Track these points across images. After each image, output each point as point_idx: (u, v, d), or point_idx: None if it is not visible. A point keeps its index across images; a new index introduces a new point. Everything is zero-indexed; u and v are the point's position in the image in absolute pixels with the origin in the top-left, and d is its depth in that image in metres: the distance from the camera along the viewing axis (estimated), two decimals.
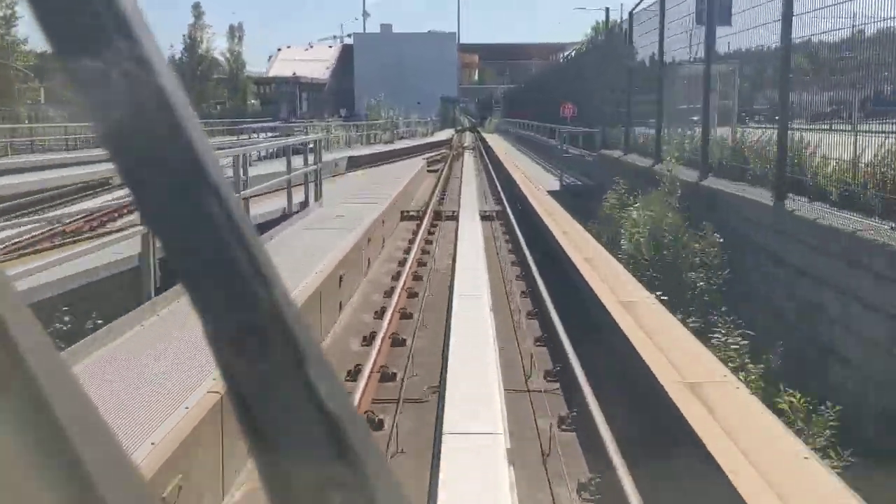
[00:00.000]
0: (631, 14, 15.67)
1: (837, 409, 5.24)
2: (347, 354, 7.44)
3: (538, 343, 7.56)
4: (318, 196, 13.29)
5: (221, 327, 0.36)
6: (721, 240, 8.14)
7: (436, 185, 22.09)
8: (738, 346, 6.31)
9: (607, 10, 20.90)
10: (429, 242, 13.37)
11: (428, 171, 26.86)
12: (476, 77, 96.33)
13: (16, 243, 12.24)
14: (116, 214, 14.94)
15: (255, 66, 79.99)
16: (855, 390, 5.89)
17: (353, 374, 6.53)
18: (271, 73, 70.70)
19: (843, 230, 6.45)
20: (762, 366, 6.23)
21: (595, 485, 4.70)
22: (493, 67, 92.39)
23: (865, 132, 7.18)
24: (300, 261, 8.71)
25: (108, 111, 0.36)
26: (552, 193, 15.85)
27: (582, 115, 22.38)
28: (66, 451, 0.33)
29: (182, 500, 3.78)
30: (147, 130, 0.36)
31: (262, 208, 12.35)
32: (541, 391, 6.30)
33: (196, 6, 61.51)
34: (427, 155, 34.43)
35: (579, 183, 17.32)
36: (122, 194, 16.58)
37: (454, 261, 10.83)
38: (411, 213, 16.46)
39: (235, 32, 66.55)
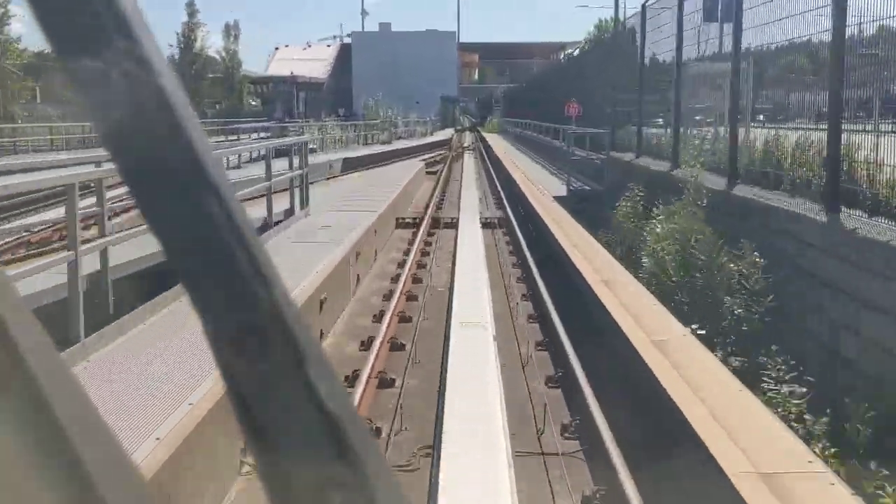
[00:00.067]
0: (644, 7, 14.49)
1: None
2: None
3: (551, 384, 6.39)
4: (304, 203, 12.10)
5: (221, 327, 0.36)
6: (764, 261, 6.97)
7: (434, 189, 20.92)
8: (798, 401, 5.13)
9: (616, 2, 19.74)
10: (425, 254, 12.19)
11: (427, 172, 25.69)
12: (476, 76, 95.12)
13: None
14: (83, 224, 13.67)
15: (256, 66, 79.03)
16: None
17: None
18: (269, 73, 69.57)
19: None
20: (825, 423, 5.05)
21: None
22: (493, 67, 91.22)
23: None
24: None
25: (108, 111, 0.35)
26: (559, 199, 14.66)
27: (587, 114, 21.20)
28: (66, 451, 0.33)
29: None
30: (147, 130, 0.36)
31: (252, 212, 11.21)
32: (557, 454, 5.11)
33: (190, 3, 60.24)
34: (426, 156, 33.32)
35: (587, 188, 16.13)
36: (91, 203, 15.48)
37: (453, 278, 9.64)
38: (407, 221, 15.31)
39: (231, 31, 65.35)
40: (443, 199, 19.27)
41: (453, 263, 10.50)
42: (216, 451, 4.45)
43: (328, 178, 22.21)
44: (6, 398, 0.33)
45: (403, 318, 8.42)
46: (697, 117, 13.33)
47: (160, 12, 62.27)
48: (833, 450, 4.59)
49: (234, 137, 26.38)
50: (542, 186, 17.10)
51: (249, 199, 10.59)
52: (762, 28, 9.89)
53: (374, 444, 0.38)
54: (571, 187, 15.89)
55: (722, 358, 5.82)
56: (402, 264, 11.15)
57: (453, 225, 14.13)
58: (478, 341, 6.81)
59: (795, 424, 4.89)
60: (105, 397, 4.38)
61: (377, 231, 12.18)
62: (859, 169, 7.04)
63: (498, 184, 21.71)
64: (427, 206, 16.94)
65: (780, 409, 5.01)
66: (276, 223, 10.77)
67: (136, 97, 0.35)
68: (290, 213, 11.61)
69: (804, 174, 8.01)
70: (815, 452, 3.98)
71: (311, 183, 20.19)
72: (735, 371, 5.46)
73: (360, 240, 10.48)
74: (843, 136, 7.25)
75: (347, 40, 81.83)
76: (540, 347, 7.37)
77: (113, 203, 16.05)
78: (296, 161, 12.01)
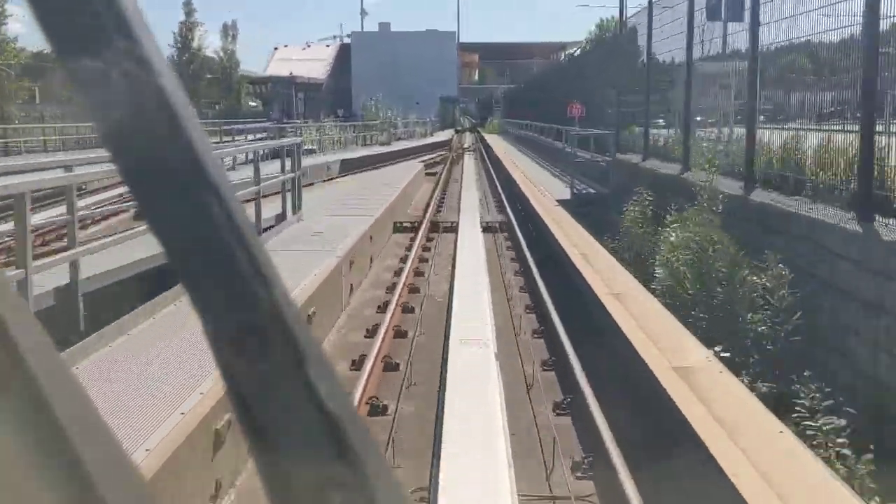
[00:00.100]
0: (650, 2, 13.91)
1: None
2: None
3: (560, 411, 5.80)
4: (296, 208, 11.52)
5: (221, 327, 0.36)
6: (791, 274, 6.38)
7: (434, 191, 20.38)
8: (840, 438, 4.53)
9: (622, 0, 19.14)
10: (424, 261, 11.61)
11: (426, 174, 25.11)
12: (476, 77, 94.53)
13: None
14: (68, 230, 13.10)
15: (255, 66, 78.56)
16: None
17: None
18: (267, 73, 69.08)
19: None
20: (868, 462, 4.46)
21: None
22: (494, 67, 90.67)
23: None
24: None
25: (108, 111, 0.36)
26: (562, 203, 14.07)
27: (589, 115, 20.62)
28: (66, 451, 0.33)
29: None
30: (147, 130, 0.36)
31: None
32: (569, 498, 4.52)
33: (187, 3, 59.61)
34: (426, 157, 32.80)
35: (592, 191, 15.53)
36: (62, 211, 14.88)
37: (452, 288, 9.07)
38: (405, 225, 14.71)
39: (229, 31, 64.79)
40: (442, 202, 18.73)
41: (452, 272, 9.93)
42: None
43: (325, 180, 21.66)
44: (6, 398, 0.33)
45: (399, 333, 7.85)
46: (698, 118, 12.96)
47: (159, 12, 61.64)
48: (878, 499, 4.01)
49: (228, 139, 25.73)
50: (544, 189, 16.53)
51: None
52: (776, 24, 9.41)
53: (374, 444, 0.38)
54: (575, 190, 15.29)
55: (749, 384, 5.22)
56: (398, 272, 10.58)
57: (453, 229, 13.58)
58: (479, 361, 6.25)
59: (835, 462, 4.30)
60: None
61: (373, 237, 11.60)
62: (892, 174, 6.45)
63: (499, 186, 21.16)
64: (426, 209, 16.39)
65: (815, 443, 4.41)
66: (267, 229, 10.20)
67: (136, 97, 0.35)
68: (281, 217, 11.04)
69: (829, 179, 7.41)
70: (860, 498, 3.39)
71: (309, 185, 19.71)
72: (763, 398, 4.87)
73: (354, 246, 9.91)
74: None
75: (347, 40, 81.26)
76: (546, 367, 6.79)
77: (95, 209, 15.39)
78: (288, 164, 11.40)
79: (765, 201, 7.99)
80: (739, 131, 12.23)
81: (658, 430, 4.76)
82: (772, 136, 9.33)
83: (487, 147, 38.75)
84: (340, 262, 8.94)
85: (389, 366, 6.89)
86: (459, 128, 68.35)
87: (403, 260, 11.52)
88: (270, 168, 12.75)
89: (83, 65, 0.35)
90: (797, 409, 5.11)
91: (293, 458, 0.36)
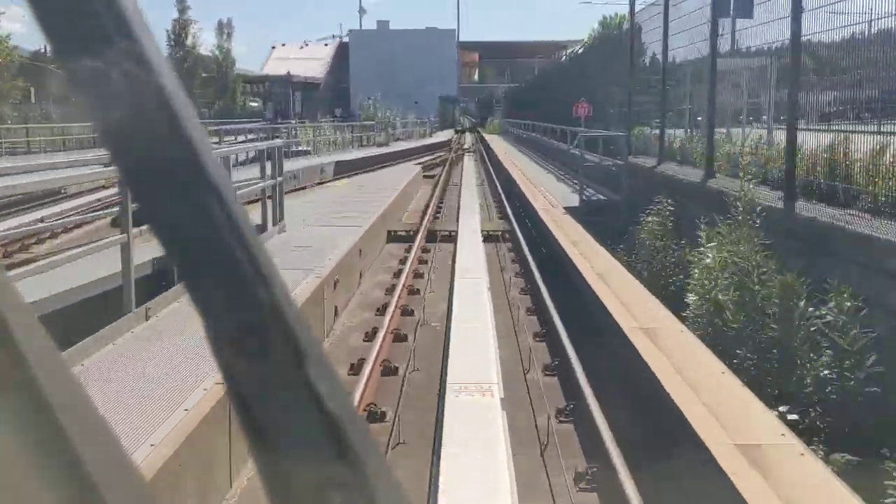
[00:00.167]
0: None
1: None
2: None
3: (582, 486, 4.66)
4: (277, 218, 10.38)
5: (221, 327, 0.36)
6: (863, 308, 5.25)
7: (432, 195, 19.32)
8: None
9: None
10: (419, 276, 10.51)
11: (424, 176, 23.97)
12: (476, 76, 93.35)
13: None
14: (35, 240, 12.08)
15: (255, 66, 77.50)
16: None
17: None
18: (264, 72, 68.02)
19: None
20: None
21: None
22: (494, 66, 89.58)
23: None
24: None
25: (108, 111, 0.36)
26: (570, 211, 12.91)
27: (594, 115, 19.46)
28: (66, 451, 0.33)
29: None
30: (147, 130, 0.36)
31: None
32: None
33: (181, 0, 58.29)
34: (424, 158, 31.75)
35: (602, 198, 14.36)
36: (36, 218, 13.80)
37: (450, 312, 7.94)
38: (400, 233, 13.58)
39: (224, 29, 63.59)
40: (441, 208, 17.67)
41: (451, 289, 8.78)
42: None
43: (319, 184, 20.53)
44: (6, 398, 0.33)
45: (388, 370, 6.74)
46: (699, 118, 12.30)
47: (155, 12, 60.50)
48: None
49: (216, 140, 24.64)
50: (549, 194, 15.39)
51: None
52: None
53: (374, 444, 0.38)
54: (584, 196, 14.13)
55: (824, 456, 4.08)
56: (391, 290, 9.48)
57: (452, 238, 12.42)
58: (481, 413, 5.10)
59: None
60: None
61: (363, 250, 10.47)
62: None
63: (500, 189, 20.01)
64: (423, 216, 15.31)
65: None
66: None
67: (136, 97, 0.35)
68: (261, 229, 9.87)
69: (893, 190, 6.29)
70: None
71: (301, 189, 18.58)
72: (842, 475, 3.73)
73: (341, 262, 8.82)
74: None
75: (346, 40, 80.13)
76: (563, 419, 5.63)
77: (68, 216, 14.19)
78: (269, 169, 10.25)
79: (817, 217, 6.84)
80: (756, 132, 11.20)
81: None
82: (813, 139, 8.18)
83: (488, 148, 37.71)
84: (323, 283, 7.82)
85: (374, 415, 5.78)
86: (459, 128, 67.37)
87: (397, 275, 10.42)
88: (254, 173, 11.62)
89: (83, 65, 0.35)
90: (890, 492, 3.96)
91: (293, 458, 0.36)
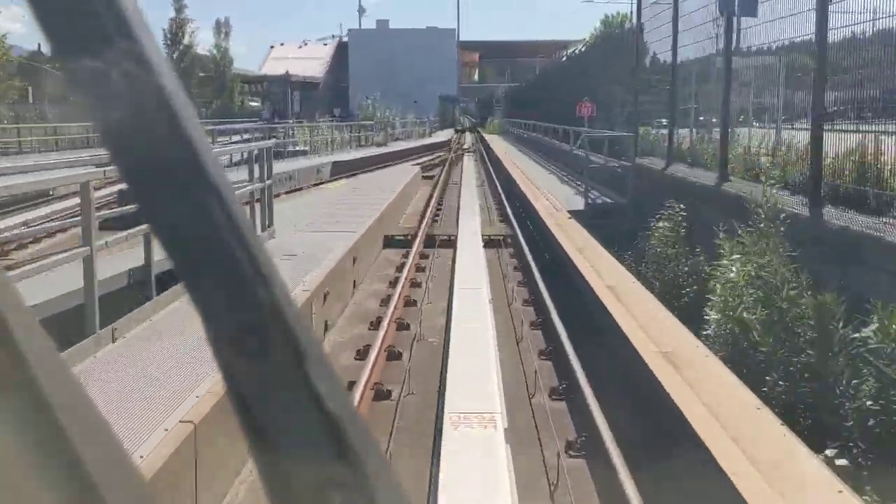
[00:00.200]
0: None
1: None
2: None
3: None
4: (266, 224, 9.78)
5: (221, 327, 0.36)
6: None
7: (430, 197, 18.77)
8: None
9: None
10: (416, 285, 9.94)
11: (423, 177, 23.40)
12: (476, 76, 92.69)
13: None
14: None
15: (256, 66, 76.84)
16: None
17: None
18: (263, 72, 67.43)
19: None
20: None
21: None
22: (494, 66, 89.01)
23: None
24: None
25: (108, 111, 0.36)
26: (575, 214, 12.32)
27: (599, 115, 18.87)
28: (66, 451, 0.33)
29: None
30: (147, 130, 0.36)
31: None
32: None
33: None
34: (423, 159, 31.20)
35: (608, 200, 13.76)
36: (20, 221, 13.22)
37: (448, 328, 7.39)
38: (398, 238, 13.00)
39: (222, 28, 62.93)
40: (440, 210, 17.09)
41: (450, 300, 8.24)
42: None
43: (315, 185, 19.97)
44: (6, 398, 0.33)
45: (380, 394, 6.15)
46: (701, 117, 12.28)
47: (157, 12, 59.95)
48: None
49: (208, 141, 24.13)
50: (552, 196, 14.81)
51: None
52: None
53: (374, 444, 0.38)
54: (589, 200, 13.53)
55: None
56: (386, 300, 8.91)
57: (451, 244, 11.86)
58: (482, 450, 4.55)
59: None
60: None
61: (358, 257, 9.87)
62: None
63: (501, 191, 19.42)
64: (422, 219, 14.75)
65: None
66: None
67: (136, 97, 0.35)
68: None
69: None
70: None
71: (297, 190, 17.99)
72: None
73: (333, 272, 8.24)
74: None
75: (346, 39, 79.47)
76: (574, 453, 5.05)
77: (46, 221, 13.59)
78: (259, 171, 9.65)
79: (849, 225, 6.25)
80: (760, 133, 10.67)
81: None
82: (835, 141, 7.61)
83: (488, 148, 37.17)
84: (312, 297, 7.26)
85: None
86: (459, 128, 66.86)
87: (393, 283, 9.85)
88: (243, 175, 11.03)
89: (83, 65, 0.35)
90: None
91: (293, 458, 0.36)
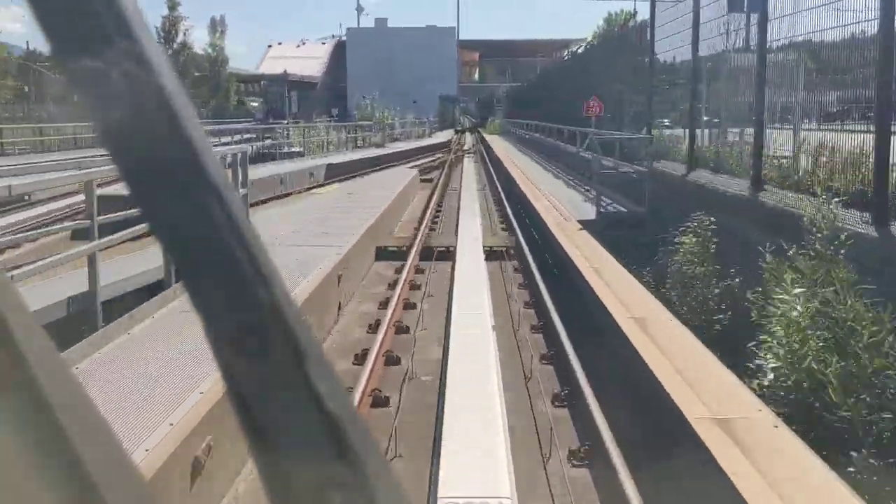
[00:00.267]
0: None
1: None
2: None
3: None
4: None
5: (221, 327, 0.36)
6: None
7: (429, 202, 17.74)
8: None
9: None
10: (410, 306, 8.82)
11: (422, 180, 22.26)
12: (476, 76, 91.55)
13: None
14: None
15: (255, 66, 75.74)
16: None
17: None
18: (260, 71, 66.39)
19: None
20: None
21: None
22: (494, 65, 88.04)
23: None
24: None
25: (108, 111, 0.36)
26: (586, 225, 11.17)
27: (606, 114, 17.77)
28: (66, 451, 0.33)
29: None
30: (147, 130, 0.36)
31: (128, 267, 7.77)
32: None
33: None
34: (422, 160, 30.12)
35: (623, 209, 12.59)
36: None
37: (444, 363, 6.35)
38: (391, 249, 11.85)
39: (217, 26, 61.73)
40: (438, 217, 15.94)
41: (447, 330, 7.13)
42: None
43: (308, 189, 18.87)
44: (6, 398, 0.33)
45: None
46: (705, 118, 11.82)
47: (152, 12, 58.85)
48: None
49: None
50: (559, 204, 13.68)
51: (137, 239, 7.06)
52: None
53: (374, 444, 0.38)
54: (602, 208, 12.37)
55: None
56: (375, 326, 7.87)
57: (450, 255, 10.74)
58: None
59: None
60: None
61: (344, 275, 8.74)
62: None
63: (503, 195, 18.30)
64: (418, 228, 13.70)
65: None
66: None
67: (136, 97, 0.35)
68: None
69: None
70: None
71: (286, 195, 16.88)
72: None
73: (312, 297, 7.15)
74: None
75: (345, 39, 78.40)
76: None
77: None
78: (232, 178, 8.51)
79: None
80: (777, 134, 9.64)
81: None
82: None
83: (489, 149, 36.16)
84: None
85: None
86: (459, 128, 65.87)
87: (384, 305, 8.77)
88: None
89: (83, 65, 0.35)
90: None
91: (293, 458, 0.36)
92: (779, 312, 4.99)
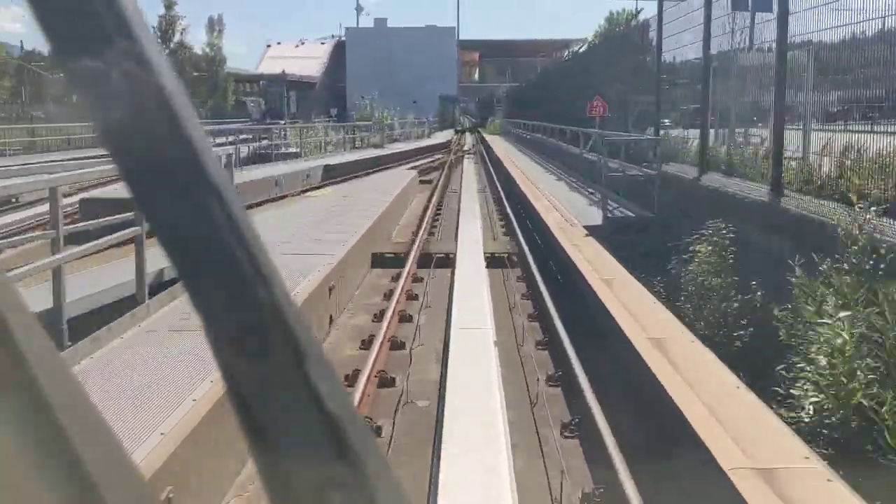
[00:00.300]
0: None
1: None
2: None
3: None
4: None
5: (221, 327, 0.36)
6: None
7: (428, 205, 17.17)
8: None
9: None
10: (406, 319, 8.28)
11: (421, 181, 21.70)
12: (476, 76, 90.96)
13: None
14: None
15: (255, 66, 75.19)
16: None
17: None
18: (259, 71, 65.80)
19: None
20: None
21: None
22: (494, 65, 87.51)
23: None
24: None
25: (108, 111, 0.36)
26: (593, 231, 10.61)
27: (609, 114, 17.25)
28: (66, 451, 0.33)
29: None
30: (147, 130, 0.36)
31: (99, 281, 7.22)
32: None
33: None
34: (421, 161, 29.57)
35: (630, 214, 12.04)
36: None
37: (443, 384, 5.85)
38: (388, 256, 11.29)
39: (215, 25, 61.16)
40: (437, 221, 15.37)
41: (445, 346, 6.62)
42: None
43: (304, 191, 18.32)
44: (6, 398, 0.33)
45: None
46: (711, 117, 11.29)
47: (148, 11, 58.19)
48: None
49: None
50: (562, 208, 13.13)
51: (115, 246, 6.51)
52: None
53: (374, 444, 0.37)
54: (609, 213, 11.82)
55: None
56: (368, 342, 7.34)
57: (449, 262, 10.20)
58: None
59: None
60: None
61: (337, 285, 8.19)
62: None
63: (504, 198, 17.76)
64: (416, 233, 13.17)
65: None
66: (169, 285, 6.69)
67: (136, 97, 0.35)
68: None
69: None
70: None
71: (281, 198, 16.33)
72: None
73: (303, 307, 6.48)
74: None
75: (344, 38, 77.84)
76: None
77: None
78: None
79: None
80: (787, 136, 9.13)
81: None
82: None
83: (489, 149, 35.68)
84: None
85: None
86: (459, 128, 65.32)
87: (378, 317, 8.25)
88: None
89: (83, 65, 0.35)
90: None
91: (293, 458, 0.36)
92: (821, 339, 4.41)
